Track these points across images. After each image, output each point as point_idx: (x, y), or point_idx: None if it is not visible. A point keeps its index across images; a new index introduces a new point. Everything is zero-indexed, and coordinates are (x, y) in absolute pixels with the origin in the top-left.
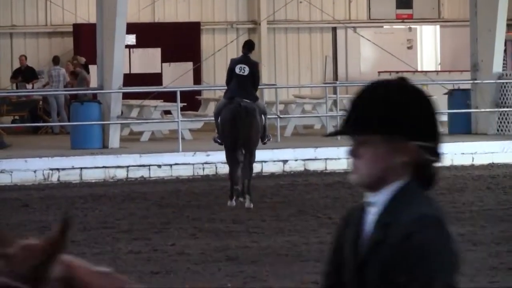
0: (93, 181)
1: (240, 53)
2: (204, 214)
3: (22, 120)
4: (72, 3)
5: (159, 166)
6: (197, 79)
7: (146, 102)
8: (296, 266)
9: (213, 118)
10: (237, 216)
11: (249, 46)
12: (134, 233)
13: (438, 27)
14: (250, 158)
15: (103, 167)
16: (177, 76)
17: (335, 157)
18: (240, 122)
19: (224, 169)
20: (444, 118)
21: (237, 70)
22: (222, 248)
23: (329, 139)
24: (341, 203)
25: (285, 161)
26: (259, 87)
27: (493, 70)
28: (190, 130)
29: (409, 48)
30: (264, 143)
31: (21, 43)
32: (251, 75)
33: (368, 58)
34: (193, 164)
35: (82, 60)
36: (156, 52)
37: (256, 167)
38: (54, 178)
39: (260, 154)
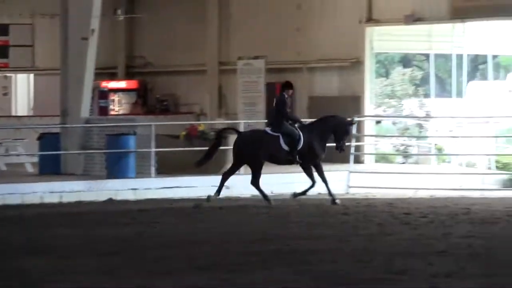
0: None
1: None
2: None
3: None
4: None
5: None
6: None
7: None
8: None
9: None
10: None
11: (283, 85)
12: None
13: (32, 75)
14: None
15: None
16: None
17: None
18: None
19: None
20: (36, 159)
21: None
22: None
23: None
24: None
25: None
26: None
27: (81, 115)
28: None
29: (5, 94)
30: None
31: None
32: (275, 106)
33: None
34: None
35: None
36: None
37: None
38: None
39: None
